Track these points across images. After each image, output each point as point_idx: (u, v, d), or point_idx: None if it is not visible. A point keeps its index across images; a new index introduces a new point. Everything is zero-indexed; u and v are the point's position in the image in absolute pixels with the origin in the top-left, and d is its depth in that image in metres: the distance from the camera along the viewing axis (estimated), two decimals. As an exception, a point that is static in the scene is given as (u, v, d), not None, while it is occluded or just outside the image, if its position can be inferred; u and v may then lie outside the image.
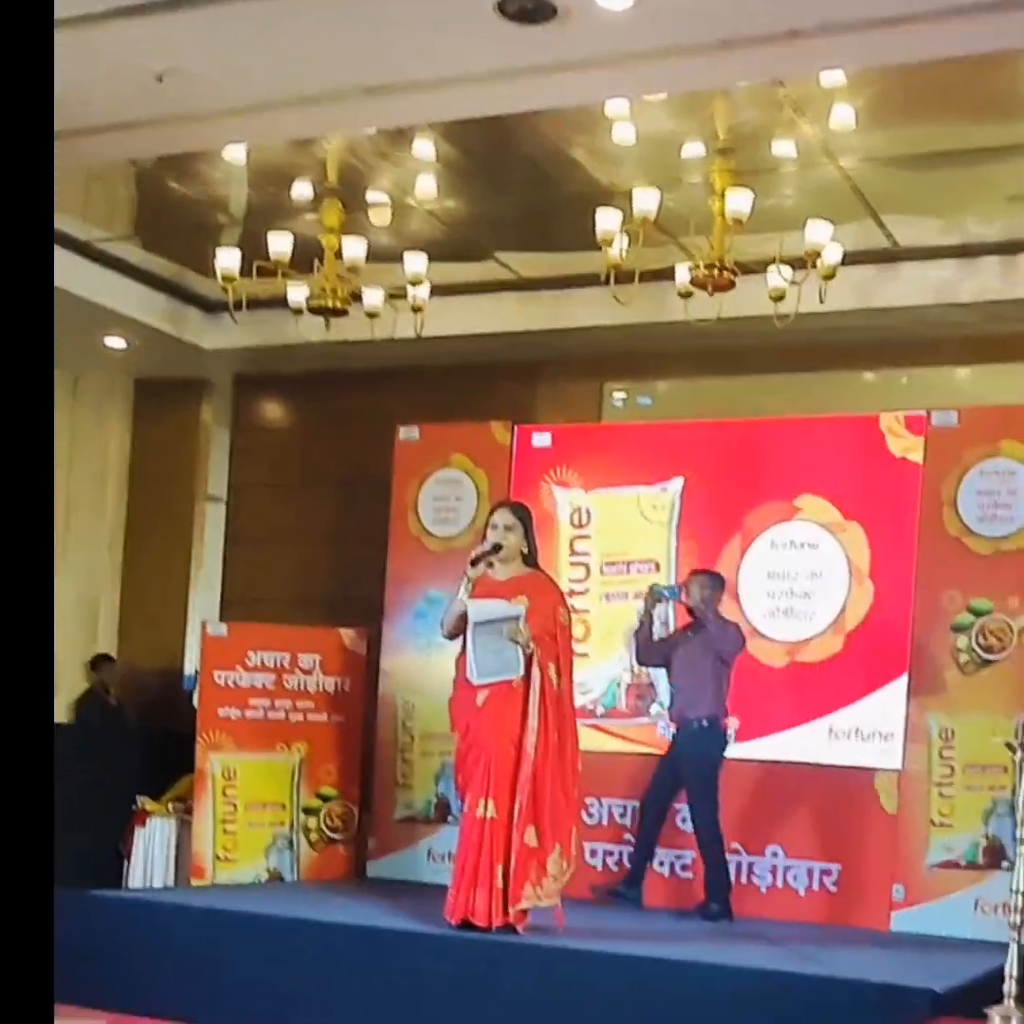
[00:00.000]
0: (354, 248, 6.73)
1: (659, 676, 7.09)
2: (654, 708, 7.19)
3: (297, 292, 6.90)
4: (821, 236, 6.16)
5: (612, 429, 8.08)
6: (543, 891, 5.77)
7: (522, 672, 5.82)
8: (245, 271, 6.76)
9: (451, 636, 6.09)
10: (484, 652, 5.84)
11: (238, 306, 6.81)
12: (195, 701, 7.49)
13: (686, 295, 6.46)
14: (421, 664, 7.49)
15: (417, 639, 7.61)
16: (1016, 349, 7.51)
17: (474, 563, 5.99)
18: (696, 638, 6.61)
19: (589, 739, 6.51)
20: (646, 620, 6.67)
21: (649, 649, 6.75)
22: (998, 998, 4.24)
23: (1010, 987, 4.23)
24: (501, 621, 5.86)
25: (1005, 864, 6.08)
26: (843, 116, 5.94)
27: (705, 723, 6.51)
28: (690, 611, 6.66)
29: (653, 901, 6.81)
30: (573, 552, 7.52)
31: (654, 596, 6.62)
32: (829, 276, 6.23)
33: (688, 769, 6.57)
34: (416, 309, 6.94)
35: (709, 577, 6.72)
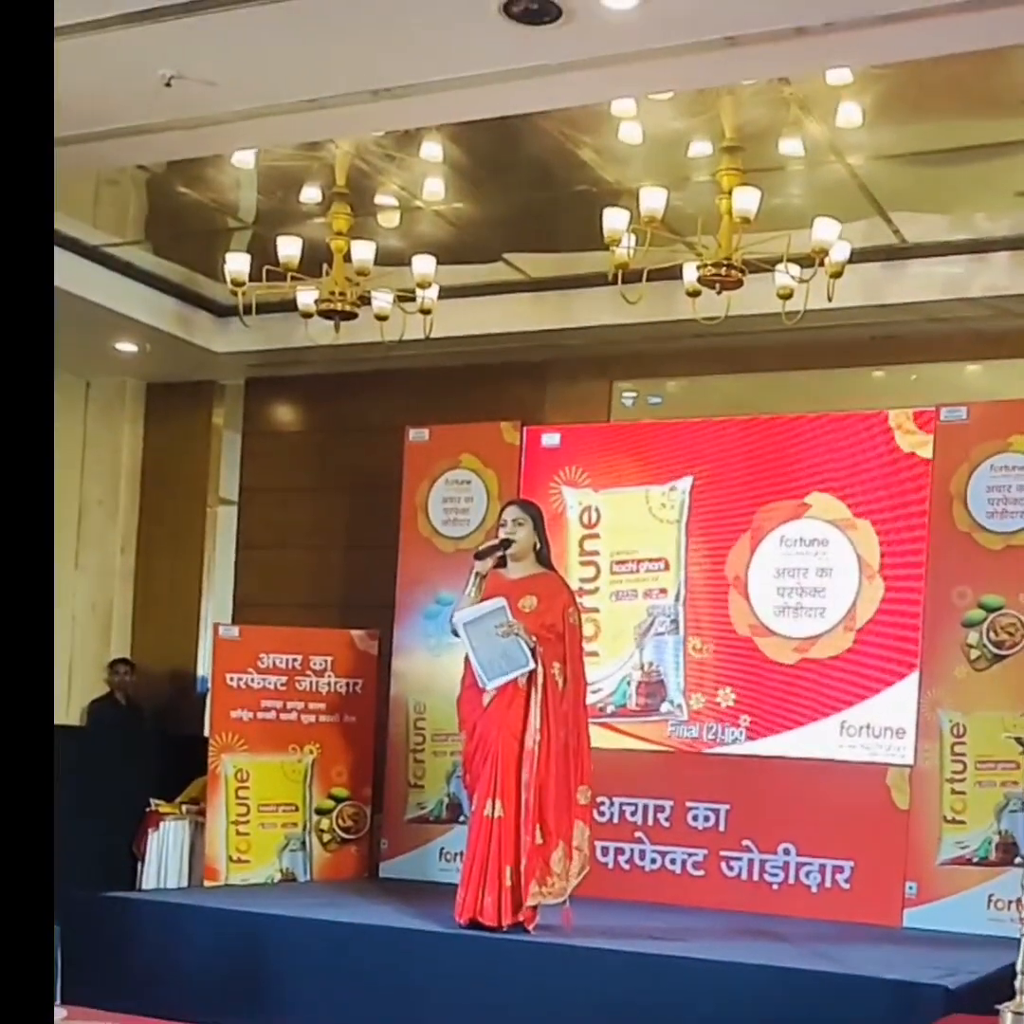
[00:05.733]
0: (363, 251, 6.75)
1: (668, 673, 7.10)
2: (664, 706, 7.20)
3: (307, 296, 6.91)
4: (829, 234, 6.15)
5: (621, 428, 8.08)
6: (548, 889, 5.79)
7: (532, 664, 5.81)
8: (255, 275, 6.78)
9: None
10: (486, 655, 5.83)
11: (248, 310, 6.85)
12: (208, 703, 7.52)
13: (694, 294, 6.44)
14: (432, 665, 7.51)
15: (428, 640, 7.62)
16: (1026, 344, 7.51)
17: (479, 557, 5.99)
18: None
19: (600, 737, 6.52)
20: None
21: None
22: (1011, 994, 4.21)
23: (1022, 982, 4.20)
24: (487, 617, 5.85)
25: (1018, 860, 6.10)
26: (850, 114, 5.93)
27: None
28: None
29: (664, 898, 6.82)
30: (583, 551, 7.53)
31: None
32: (837, 274, 6.22)
33: None
34: (425, 311, 6.96)
35: None
